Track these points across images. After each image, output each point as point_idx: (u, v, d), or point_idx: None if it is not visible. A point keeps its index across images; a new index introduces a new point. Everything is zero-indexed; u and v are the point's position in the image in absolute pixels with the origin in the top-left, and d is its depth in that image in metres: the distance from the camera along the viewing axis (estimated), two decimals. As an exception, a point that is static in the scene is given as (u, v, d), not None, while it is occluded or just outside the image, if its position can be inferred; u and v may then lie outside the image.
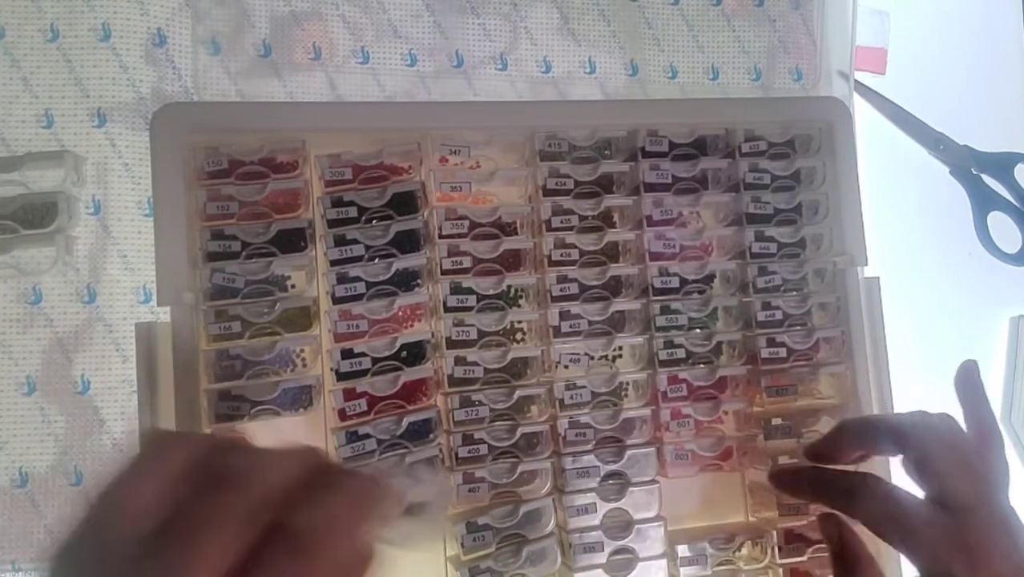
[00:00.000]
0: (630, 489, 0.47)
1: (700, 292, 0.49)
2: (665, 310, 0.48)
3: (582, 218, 0.48)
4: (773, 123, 0.51)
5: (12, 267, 0.54)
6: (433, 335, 0.46)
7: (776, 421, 0.49)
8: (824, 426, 0.50)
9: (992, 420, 0.44)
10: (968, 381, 0.46)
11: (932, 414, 0.43)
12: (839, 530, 0.43)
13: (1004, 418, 0.73)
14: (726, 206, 0.50)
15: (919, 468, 0.41)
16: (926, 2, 0.76)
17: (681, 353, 0.48)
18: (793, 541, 0.48)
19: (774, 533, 0.48)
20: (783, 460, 0.48)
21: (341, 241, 0.45)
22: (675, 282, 0.49)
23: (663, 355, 0.48)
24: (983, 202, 0.74)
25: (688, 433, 0.48)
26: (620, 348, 0.49)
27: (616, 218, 0.50)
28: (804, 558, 0.48)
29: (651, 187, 0.49)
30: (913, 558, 0.40)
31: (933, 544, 0.39)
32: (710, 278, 0.50)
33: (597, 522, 0.47)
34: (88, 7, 0.56)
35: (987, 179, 0.74)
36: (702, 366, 0.49)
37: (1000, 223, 0.74)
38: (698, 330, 0.49)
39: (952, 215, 0.75)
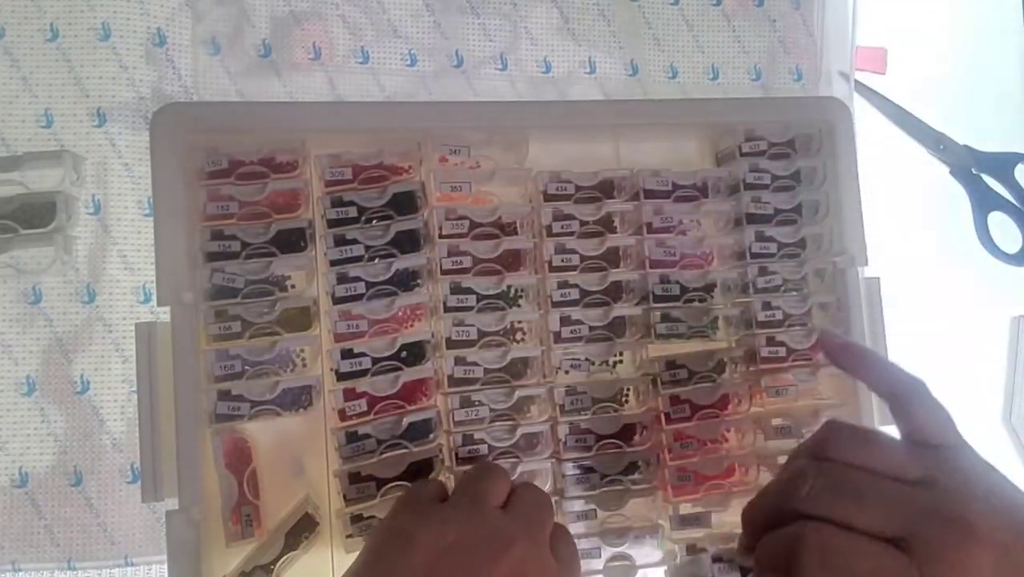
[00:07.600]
0: (630, 495, 0.47)
1: (701, 301, 0.49)
2: (665, 318, 0.48)
3: (583, 223, 0.48)
4: (773, 123, 0.51)
5: (11, 267, 0.54)
6: (433, 335, 0.46)
7: (776, 421, 0.49)
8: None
9: (903, 373, 0.40)
10: (846, 352, 0.42)
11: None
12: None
13: (1004, 418, 0.74)
14: (726, 214, 0.50)
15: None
16: (926, 2, 0.76)
17: (683, 374, 0.48)
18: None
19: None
20: (781, 460, 0.48)
21: (341, 241, 0.45)
22: (676, 290, 0.49)
23: (666, 376, 0.48)
24: (983, 202, 0.74)
25: (691, 453, 0.48)
26: (621, 354, 0.49)
27: (617, 223, 0.50)
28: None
29: (651, 193, 0.49)
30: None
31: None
32: (711, 287, 0.50)
33: (597, 528, 0.47)
34: (88, 7, 0.56)
35: (987, 179, 0.74)
36: (704, 384, 0.49)
37: (1000, 223, 0.74)
38: (699, 338, 0.49)
39: (952, 215, 0.75)
